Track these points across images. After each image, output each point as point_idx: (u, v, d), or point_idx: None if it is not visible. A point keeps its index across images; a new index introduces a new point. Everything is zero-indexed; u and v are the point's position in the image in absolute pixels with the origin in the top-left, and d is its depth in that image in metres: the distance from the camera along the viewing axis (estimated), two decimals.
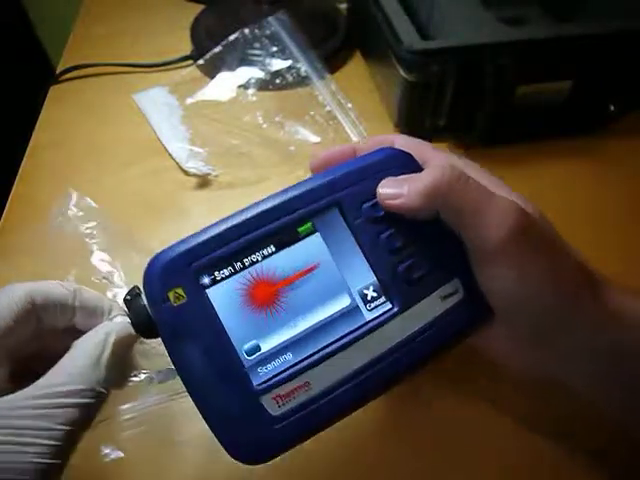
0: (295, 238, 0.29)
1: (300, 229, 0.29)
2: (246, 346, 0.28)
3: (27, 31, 1.02)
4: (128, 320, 0.29)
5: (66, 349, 0.27)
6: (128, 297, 0.29)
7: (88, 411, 0.26)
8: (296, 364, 0.28)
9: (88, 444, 0.27)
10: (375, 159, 0.32)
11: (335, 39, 0.68)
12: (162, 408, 0.37)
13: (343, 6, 0.73)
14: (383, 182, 0.30)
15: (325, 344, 0.28)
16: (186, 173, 0.54)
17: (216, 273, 0.28)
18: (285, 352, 0.28)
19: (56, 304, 0.28)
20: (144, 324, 0.28)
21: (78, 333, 0.28)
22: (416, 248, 0.30)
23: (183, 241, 0.28)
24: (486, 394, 0.38)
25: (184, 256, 0.28)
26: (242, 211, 0.29)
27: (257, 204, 0.29)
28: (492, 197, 0.28)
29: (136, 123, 0.59)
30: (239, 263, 0.28)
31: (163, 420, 0.39)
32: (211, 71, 0.64)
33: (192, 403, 0.27)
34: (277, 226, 0.29)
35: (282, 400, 0.27)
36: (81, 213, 0.46)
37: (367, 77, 0.65)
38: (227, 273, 0.28)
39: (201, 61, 0.64)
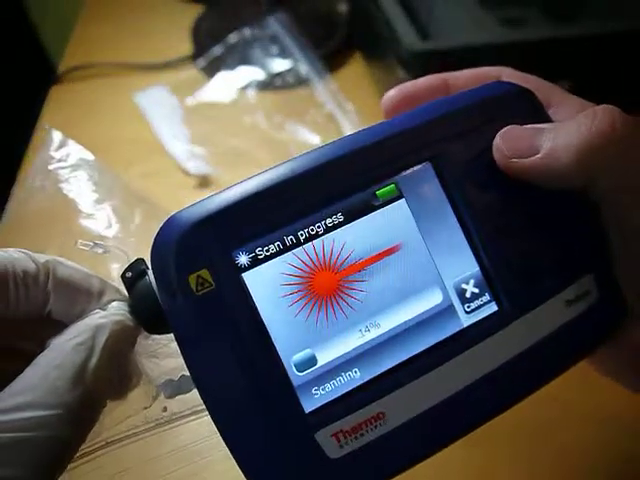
0: (371, 205, 0.21)
1: (380, 192, 0.21)
2: (296, 357, 0.20)
3: (27, 31, 1.02)
4: (127, 308, 0.21)
5: (37, 352, 0.19)
6: (129, 274, 0.20)
7: (61, 447, 0.18)
8: (366, 386, 0.20)
9: None
10: (486, 96, 0.23)
11: (335, 39, 0.68)
12: (172, 433, 0.24)
13: (343, 6, 0.73)
14: (508, 130, 0.21)
15: (406, 358, 0.20)
16: (186, 173, 0.54)
17: (258, 250, 0.19)
18: (351, 368, 0.20)
19: (19, 283, 0.19)
20: (150, 315, 0.20)
21: (56, 326, 0.20)
22: (539, 230, 0.22)
23: (212, 199, 0.20)
24: None
25: (214, 222, 0.19)
26: (299, 160, 0.20)
27: (320, 151, 0.21)
28: None
29: (136, 123, 0.59)
30: (291, 237, 0.20)
31: (171, 452, 0.26)
32: (211, 71, 0.64)
33: (216, 429, 0.20)
34: (347, 186, 0.20)
35: (345, 438, 0.19)
36: (66, 163, 0.35)
37: (367, 77, 0.65)
38: (274, 250, 0.20)
39: (201, 61, 0.64)
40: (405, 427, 0.20)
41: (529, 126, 0.22)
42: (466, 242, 0.21)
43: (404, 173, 0.21)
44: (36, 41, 1.04)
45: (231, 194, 0.20)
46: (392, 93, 0.25)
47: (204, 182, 0.54)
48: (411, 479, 0.20)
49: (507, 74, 0.25)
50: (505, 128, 0.22)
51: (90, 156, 0.36)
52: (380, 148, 0.21)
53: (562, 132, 0.21)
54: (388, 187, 0.21)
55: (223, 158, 0.55)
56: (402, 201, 0.21)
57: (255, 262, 0.19)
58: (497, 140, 0.21)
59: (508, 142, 0.21)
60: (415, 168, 0.21)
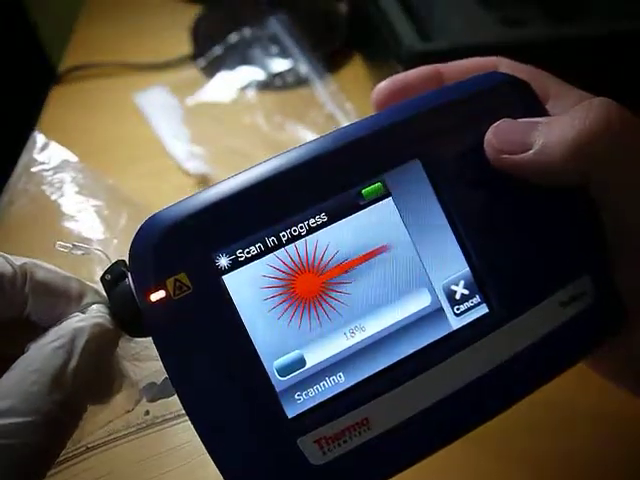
0: (357, 204, 0.20)
1: (365, 191, 0.20)
2: (278, 361, 0.19)
3: (27, 31, 1.02)
4: (107, 311, 0.20)
5: (17, 356, 0.18)
6: (108, 277, 0.20)
7: (37, 454, 0.17)
8: (350, 391, 0.19)
9: None
10: (479, 88, 0.21)
11: (335, 39, 0.68)
12: (156, 436, 0.24)
13: (343, 6, 0.73)
14: (499, 125, 0.20)
15: (392, 363, 0.20)
16: (186, 173, 0.54)
17: (239, 252, 0.19)
18: (335, 372, 0.19)
19: None
20: (130, 318, 0.19)
21: (36, 330, 0.19)
22: (532, 228, 0.21)
23: (191, 199, 0.19)
24: None
25: (193, 223, 0.19)
26: (281, 158, 0.20)
27: (304, 149, 0.20)
28: None
29: (136, 123, 0.59)
30: (273, 238, 0.19)
31: (152, 456, 0.25)
32: (211, 71, 0.64)
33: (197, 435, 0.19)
34: (332, 185, 0.20)
35: (328, 444, 0.18)
36: (49, 165, 0.34)
37: (367, 78, 0.65)
38: (255, 252, 0.19)
39: (201, 61, 0.64)
40: (390, 434, 0.19)
41: (522, 120, 0.21)
42: (456, 242, 0.20)
43: (391, 170, 0.20)
44: (36, 41, 1.04)
45: (211, 194, 0.19)
46: (383, 85, 0.24)
47: (204, 182, 0.54)
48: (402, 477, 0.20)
49: (504, 64, 0.24)
50: (497, 122, 0.21)
51: (74, 157, 0.36)
52: (366, 144, 0.20)
53: (556, 126, 0.20)
54: (374, 185, 0.20)
55: (223, 158, 0.55)
56: (389, 200, 0.20)
57: (236, 264, 0.19)
58: (489, 135, 0.20)
59: (500, 137, 0.20)
60: (403, 165, 0.20)
